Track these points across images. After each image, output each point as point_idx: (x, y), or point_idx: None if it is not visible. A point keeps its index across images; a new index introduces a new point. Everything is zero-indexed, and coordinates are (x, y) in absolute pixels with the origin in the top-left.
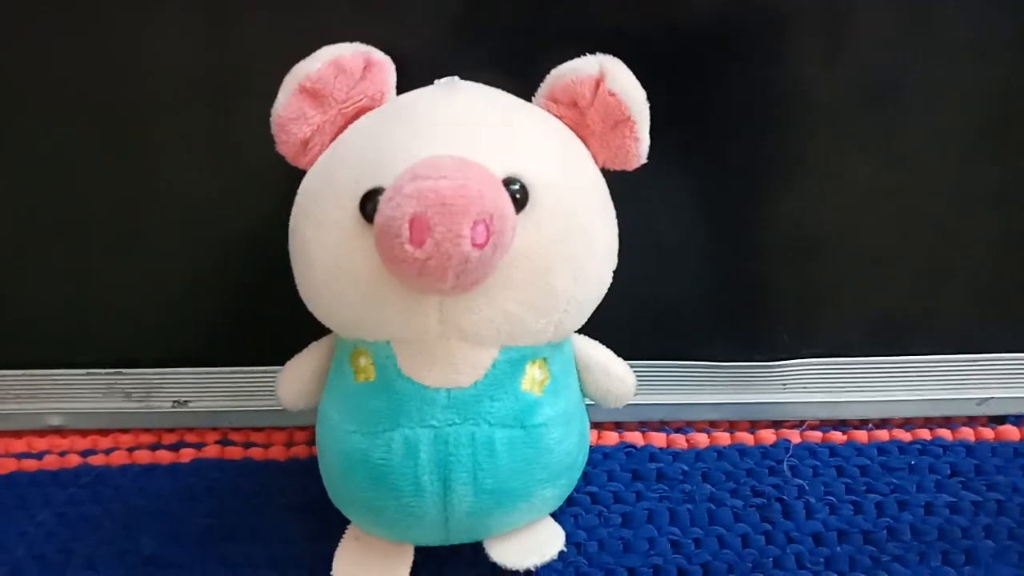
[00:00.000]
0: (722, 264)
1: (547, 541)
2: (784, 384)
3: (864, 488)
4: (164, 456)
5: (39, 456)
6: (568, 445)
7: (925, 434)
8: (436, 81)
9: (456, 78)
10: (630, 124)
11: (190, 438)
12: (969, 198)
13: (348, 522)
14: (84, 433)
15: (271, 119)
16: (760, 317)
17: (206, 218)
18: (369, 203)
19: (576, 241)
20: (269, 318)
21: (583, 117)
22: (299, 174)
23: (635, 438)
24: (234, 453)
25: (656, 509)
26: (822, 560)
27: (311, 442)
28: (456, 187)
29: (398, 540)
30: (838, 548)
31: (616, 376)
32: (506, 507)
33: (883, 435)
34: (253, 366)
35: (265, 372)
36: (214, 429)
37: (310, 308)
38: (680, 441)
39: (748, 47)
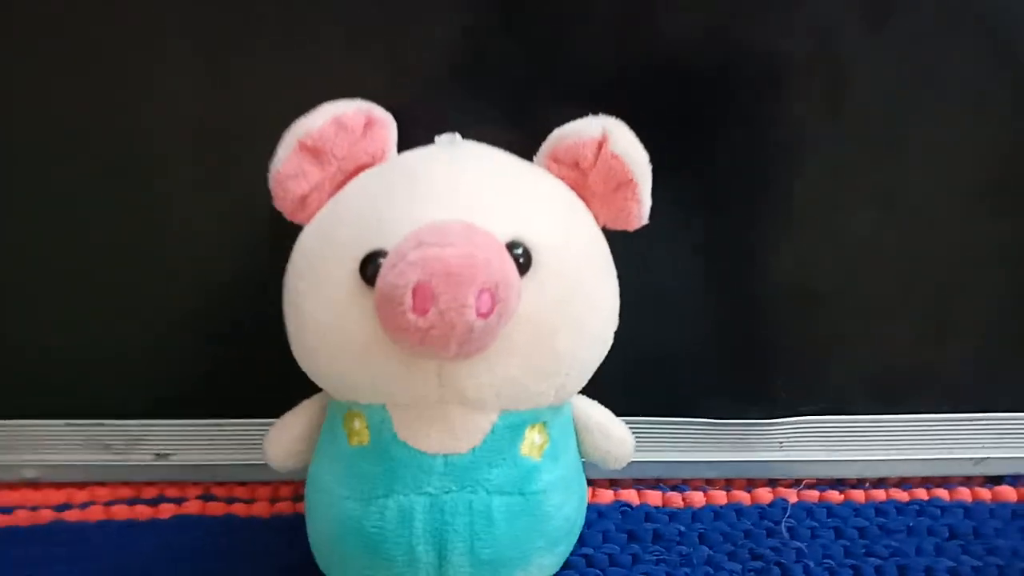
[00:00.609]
0: (719, 320)
1: None
2: (781, 442)
3: (863, 551)
4: (143, 511)
5: (9, 511)
6: (568, 510)
7: (922, 494)
8: (437, 138)
9: (457, 135)
10: (632, 186)
11: (171, 492)
12: (969, 254)
13: None
14: (59, 486)
15: (269, 175)
16: (757, 374)
17: (192, 267)
18: (370, 265)
19: (579, 302)
20: (256, 370)
21: (585, 178)
22: (293, 227)
23: (631, 496)
24: (216, 509)
25: (653, 573)
26: None
27: (296, 498)
28: (462, 256)
29: None
30: None
31: (616, 438)
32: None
33: (880, 495)
34: (238, 418)
35: (250, 425)
36: (196, 483)
37: (303, 367)
38: (676, 499)
39: (749, 100)
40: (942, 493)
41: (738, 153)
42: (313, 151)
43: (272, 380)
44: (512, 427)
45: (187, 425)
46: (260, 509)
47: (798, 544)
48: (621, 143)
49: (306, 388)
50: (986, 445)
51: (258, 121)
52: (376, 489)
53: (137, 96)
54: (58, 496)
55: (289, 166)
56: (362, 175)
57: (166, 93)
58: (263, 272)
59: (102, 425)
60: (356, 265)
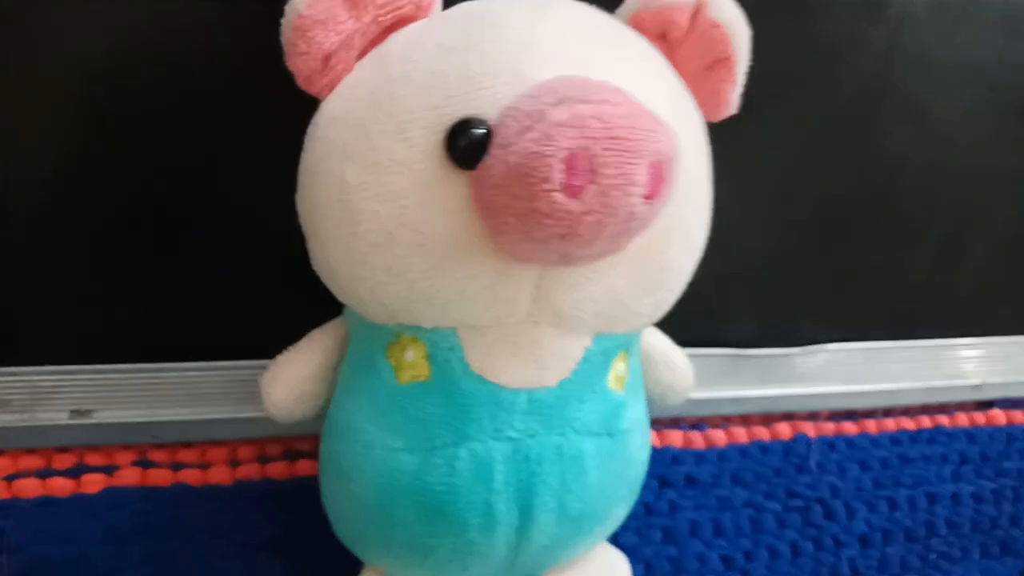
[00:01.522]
0: (740, 249)
1: (615, 571)
2: (802, 373)
3: (891, 482)
4: (61, 485)
5: None
6: (645, 454)
7: (927, 421)
8: None
9: None
10: (729, 64)
11: (94, 459)
12: (977, 194)
13: (334, 559)
14: None
15: (286, 21)
16: (781, 304)
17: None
18: (463, 137)
19: (691, 201)
20: (202, 301)
21: (673, 52)
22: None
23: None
24: (161, 478)
25: (697, 520)
26: (875, 563)
27: (263, 459)
28: (626, 116)
29: None
30: (887, 549)
31: (679, 368)
32: (585, 534)
33: (890, 424)
34: (178, 361)
35: (195, 369)
36: (127, 447)
37: (331, 281)
38: (698, 439)
39: (775, 20)
40: (943, 420)
41: (760, 81)
42: None
43: (225, 313)
44: (604, 353)
45: (112, 372)
46: (220, 476)
47: (830, 479)
48: (724, 10)
49: (265, 326)
50: (984, 371)
51: None
52: (441, 436)
53: None
54: None
55: (318, 8)
56: (410, 28)
57: None
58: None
59: None
60: (437, 138)
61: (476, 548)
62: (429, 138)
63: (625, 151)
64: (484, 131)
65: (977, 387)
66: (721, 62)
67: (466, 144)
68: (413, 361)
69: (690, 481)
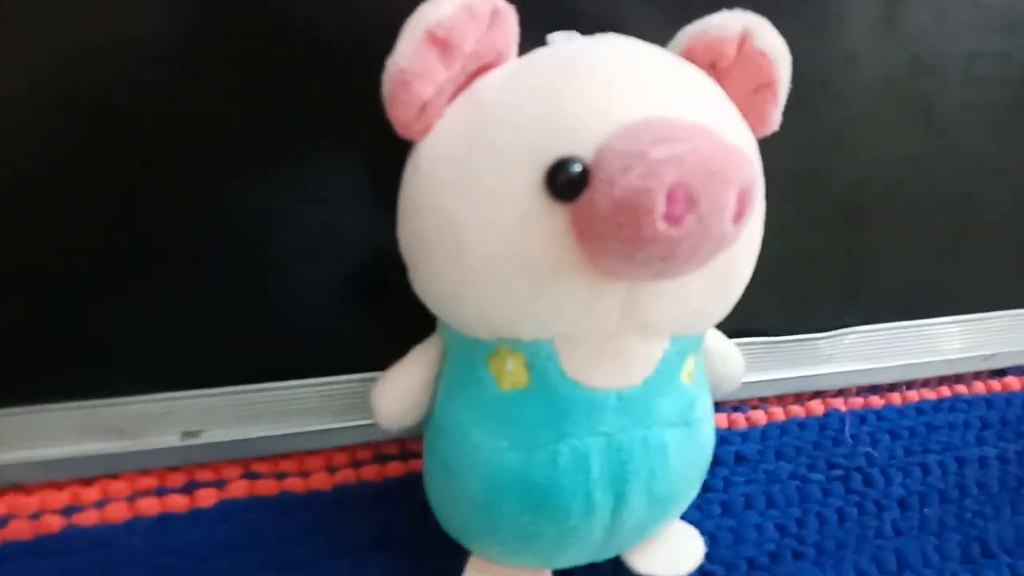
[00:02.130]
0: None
1: (688, 544)
2: (830, 355)
3: (921, 449)
4: (177, 502)
5: (2, 523)
6: (713, 440)
7: (946, 391)
8: (549, 37)
9: (575, 33)
10: (773, 88)
11: (203, 476)
12: (983, 176)
13: (439, 551)
14: (59, 486)
15: (388, 76)
16: (806, 290)
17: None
18: (562, 174)
19: (756, 217)
20: (291, 329)
21: (721, 79)
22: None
23: None
24: (267, 488)
25: (751, 493)
26: (916, 524)
27: (356, 463)
28: (718, 151)
29: (545, 567)
30: (925, 511)
31: (733, 361)
32: (668, 515)
33: (913, 396)
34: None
35: (288, 388)
36: (232, 462)
37: (439, 305)
38: (740, 420)
39: (794, 16)
40: (961, 389)
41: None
42: (443, 44)
43: (309, 338)
44: (680, 353)
45: (217, 395)
46: (320, 482)
47: (865, 449)
48: (767, 39)
49: (353, 344)
50: (993, 342)
51: None
52: (543, 435)
53: None
54: (61, 498)
55: (416, 63)
56: (495, 74)
57: None
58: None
59: (110, 405)
60: (534, 176)
61: (577, 532)
62: (529, 175)
63: (718, 183)
64: (580, 168)
65: (990, 357)
66: (766, 86)
67: (564, 180)
68: (513, 371)
69: (739, 458)
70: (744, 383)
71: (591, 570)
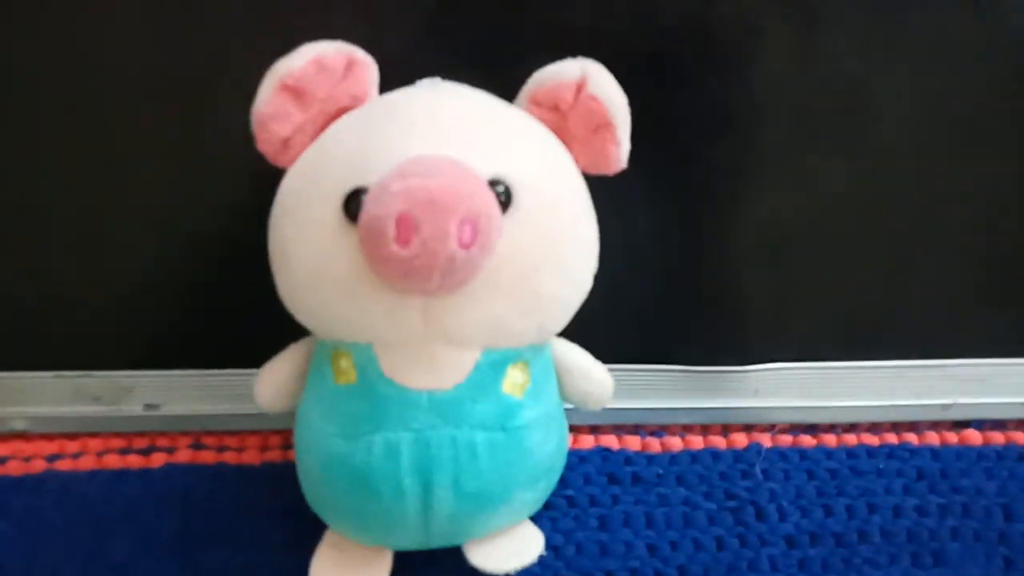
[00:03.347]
0: (694, 269)
1: (527, 545)
2: (756, 389)
3: (835, 491)
4: (134, 461)
5: (2, 461)
6: (549, 448)
7: (892, 438)
8: (418, 82)
9: (438, 79)
10: (611, 128)
11: (161, 442)
12: (936, 200)
13: (324, 528)
14: (50, 438)
15: (252, 116)
16: (731, 322)
17: (178, 214)
18: (353, 202)
19: (559, 243)
20: (244, 318)
21: (565, 121)
22: (272, 174)
23: (611, 441)
24: (207, 457)
25: (632, 512)
26: (795, 563)
27: (286, 446)
28: (444, 186)
29: (377, 545)
30: (811, 551)
31: (595, 379)
32: (487, 510)
33: (852, 439)
34: (227, 368)
35: (239, 374)
36: (186, 433)
37: (290, 309)
38: (655, 444)
39: (720, 49)
40: (911, 437)
41: (711, 104)
42: (295, 91)
43: (261, 329)
44: (494, 364)
45: (177, 376)
46: (250, 457)
47: (772, 485)
48: (600, 85)
49: (294, 337)
50: (954, 391)
51: (231, 66)
52: (363, 426)
53: (101, 37)
54: (50, 447)
55: (271, 107)
56: (345, 116)
57: (135, 34)
58: (250, 220)
59: (90, 376)
60: (340, 203)
61: (393, 515)
62: (335, 202)
63: (439, 212)
64: (364, 198)
65: (948, 407)
66: (604, 127)
67: (354, 207)
68: (345, 368)
69: (636, 479)
70: (662, 409)
71: (431, 556)
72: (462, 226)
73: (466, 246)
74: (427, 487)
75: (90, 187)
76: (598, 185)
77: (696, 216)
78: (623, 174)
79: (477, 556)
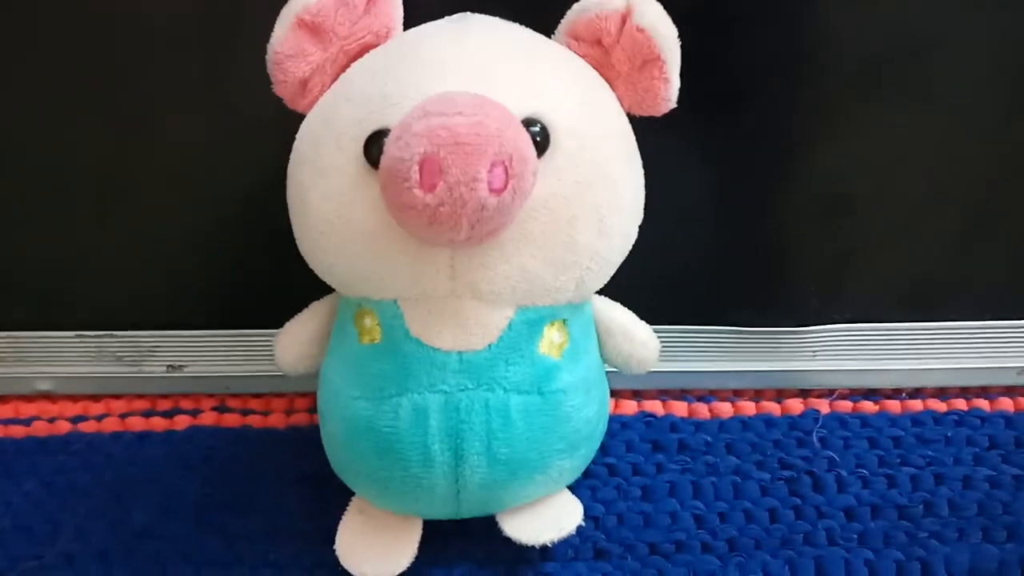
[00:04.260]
0: (749, 226)
1: (564, 515)
2: (814, 351)
3: (898, 461)
4: (158, 423)
5: (27, 422)
6: (588, 413)
7: (961, 404)
8: (446, 17)
9: (468, 13)
10: (659, 63)
11: (185, 404)
12: (1008, 159)
13: (351, 494)
14: (75, 399)
15: (267, 57)
16: (789, 281)
17: (202, 175)
18: (374, 145)
19: (600, 190)
20: (269, 279)
21: (608, 56)
22: (294, 130)
23: (655, 407)
24: (231, 420)
25: (678, 482)
26: (855, 536)
27: (312, 410)
28: (472, 125)
29: (405, 513)
30: (872, 523)
31: (639, 340)
32: (521, 479)
33: (917, 405)
34: (252, 329)
35: (265, 335)
36: (210, 395)
37: (309, 263)
38: (703, 410)
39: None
40: (982, 403)
41: (767, 55)
42: (313, 28)
43: (287, 289)
44: (530, 323)
45: (200, 337)
46: (276, 420)
47: (830, 453)
48: (648, 15)
49: (322, 296)
50: None
51: (255, 23)
52: (388, 388)
53: None
54: (74, 408)
55: (287, 45)
56: (366, 55)
57: None
58: (275, 178)
59: (112, 336)
60: (360, 147)
61: (421, 482)
62: (356, 146)
63: (467, 154)
64: (386, 140)
65: (1023, 370)
66: (651, 62)
67: (375, 151)
68: (370, 327)
69: (682, 447)
70: (711, 372)
71: (463, 525)
72: (493, 169)
73: (497, 191)
74: (458, 454)
75: (113, 148)
76: (647, 134)
77: (751, 168)
78: (674, 122)
79: (512, 526)
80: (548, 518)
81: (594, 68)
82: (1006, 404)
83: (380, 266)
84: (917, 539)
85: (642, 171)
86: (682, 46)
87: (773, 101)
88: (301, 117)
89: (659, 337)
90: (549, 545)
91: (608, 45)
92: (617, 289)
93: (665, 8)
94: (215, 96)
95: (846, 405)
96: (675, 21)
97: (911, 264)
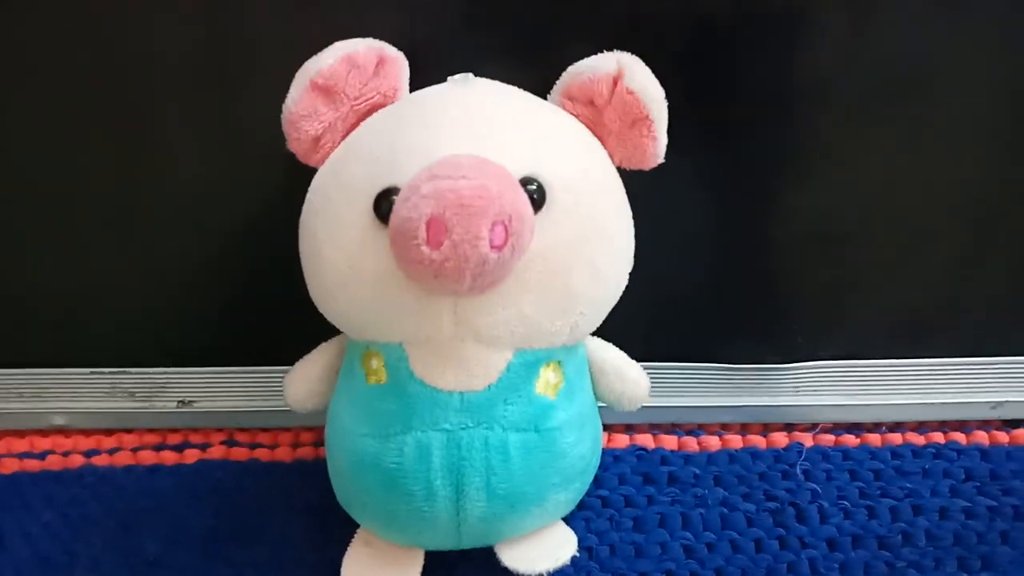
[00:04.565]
0: (735, 264)
1: (560, 546)
2: (796, 387)
3: (878, 492)
4: (168, 456)
5: (42, 456)
6: (582, 449)
7: (939, 438)
8: (450, 78)
9: (470, 75)
10: (648, 123)
11: (195, 439)
12: (988, 200)
13: (356, 526)
14: (88, 433)
15: (282, 116)
16: (774, 318)
17: (213, 215)
18: (384, 203)
19: (593, 242)
20: (277, 317)
21: (600, 116)
22: (307, 170)
23: (646, 440)
24: (239, 454)
25: (668, 513)
26: (836, 566)
27: (318, 443)
28: (475, 187)
29: (409, 545)
30: (852, 553)
31: (630, 379)
32: (519, 512)
33: (896, 439)
34: (259, 365)
35: (272, 372)
36: (219, 430)
37: (320, 309)
38: (692, 444)
39: (765, 36)
40: (959, 437)
41: (756, 93)
42: (325, 90)
43: (293, 328)
44: (527, 365)
45: (209, 373)
46: (283, 454)
47: (813, 485)
48: (637, 78)
49: (326, 335)
50: (1004, 389)
51: (267, 60)
52: (394, 426)
53: (138, 32)
54: (87, 442)
55: (302, 106)
56: (376, 114)
57: (169, 29)
58: (285, 219)
59: (126, 373)
60: (370, 203)
61: (424, 515)
62: (366, 202)
63: (470, 215)
64: (395, 198)
65: (998, 405)
66: (640, 121)
67: (385, 208)
68: (376, 368)
69: (672, 479)
70: (700, 407)
71: (463, 555)
72: (494, 228)
73: (498, 248)
74: (459, 488)
75: (126, 189)
76: (637, 176)
77: (739, 208)
78: (662, 165)
79: (509, 557)
80: (544, 549)
81: (587, 126)
82: (981, 437)
83: (387, 312)
84: (896, 568)
85: (632, 221)
86: (671, 87)
87: (760, 140)
88: None
89: (650, 373)
90: (545, 575)
91: (600, 105)
92: (610, 328)
93: (658, 44)
94: (228, 136)
95: (828, 439)
96: (664, 65)
97: (892, 303)
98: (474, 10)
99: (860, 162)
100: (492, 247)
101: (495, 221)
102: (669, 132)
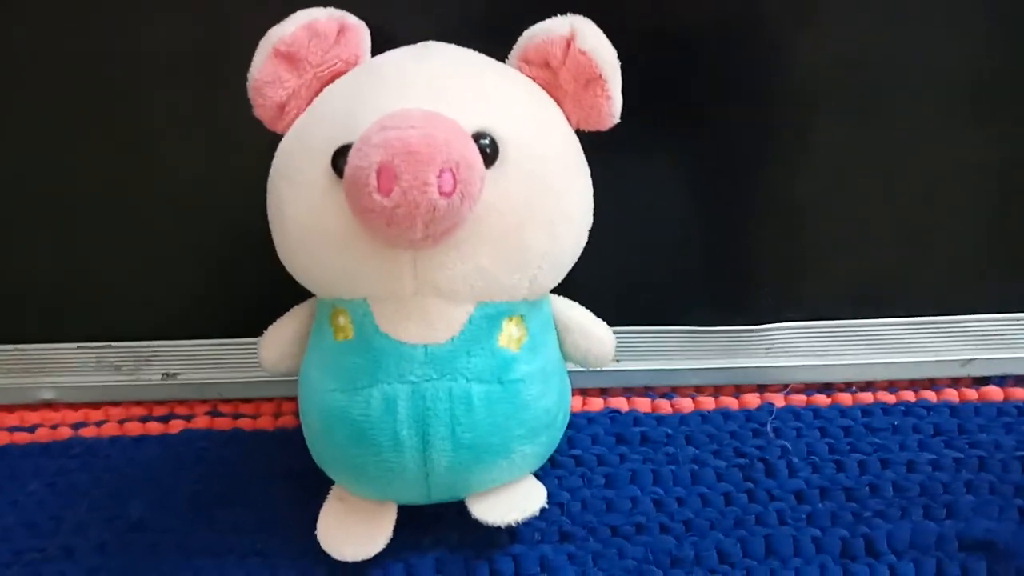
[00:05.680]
0: (706, 229)
1: (528, 498)
2: (768, 348)
3: (847, 448)
4: (154, 427)
5: (31, 429)
6: (546, 402)
7: (910, 396)
8: (410, 45)
9: (431, 42)
10: (601, 83)
11: (180, 410)
12: (949, 161)
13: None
14: (75, 406)
15: (247, 83)
16: (744, 282)
17: (194, 189)
18: (340, 158)
19: (547, 200)
20: (257, 289)
21: (555, 77)
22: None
23: (620, 403)
24: (223, 424)
25: (639, 470)
26: (804, 516)
27: (298, 412)
28: (422, 136)
29: (380, 498)
30: (820, 505)
31: (595, 337)
32: (485, 463)
33: (867, 397)
34: (242, 337)
35: (253, 344)
36: (203, 401)
37: (288, 268)
38: (665, 406)
39: (725, 13)
40: (929, 395)
41: (719, 66)
42: (287, 57)
43: (275, 300)
44: (488, 318)
45: (193, 345)
46: (265, 423)
47: (783, 442)
48: (589, 39)
49: None
50: (973, 347)
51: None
52: (361, 379)
53: (125, 18)
54: (75, 415)
55: (265, 72)
56: (337, 80)
57: (154, 22)
58: (263, 200)
59: (110, 347)
60: (329, 160)
61: (392, 466)
62: (326, 161)
63: (418, 161)
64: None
65: (967, 363)
66: (594, 81)
67: (341, 163)
68: (343, 325)
69: (644, 439)
70: (673, 370)
71: (435, 510)
72: (442, 174)
73: (447, 195)
74: (425, 439)
75: (111, 174)
76: (606, 142)
77: (707, 174)
78: (632, 135)
79: (479, 508)
80: (513, 501)
81: (544, 88)
82: (951, 395)
83: (350, 268)
84: (862, 518)
85: (589, 180)
86: (639, 64)
87: (730, 114)
88: None
89: (623, 337)
90: (514, 525)
91: (555, 67)
92: (583, 292)
93: (625, 31)
94: (207, 121)
95: (800, 399)
96: (633, 41)
97: (860, 264)
98: None
99: (822, 138)
100: (441, 193)
101: (443, 168)
102: (638, 103)
